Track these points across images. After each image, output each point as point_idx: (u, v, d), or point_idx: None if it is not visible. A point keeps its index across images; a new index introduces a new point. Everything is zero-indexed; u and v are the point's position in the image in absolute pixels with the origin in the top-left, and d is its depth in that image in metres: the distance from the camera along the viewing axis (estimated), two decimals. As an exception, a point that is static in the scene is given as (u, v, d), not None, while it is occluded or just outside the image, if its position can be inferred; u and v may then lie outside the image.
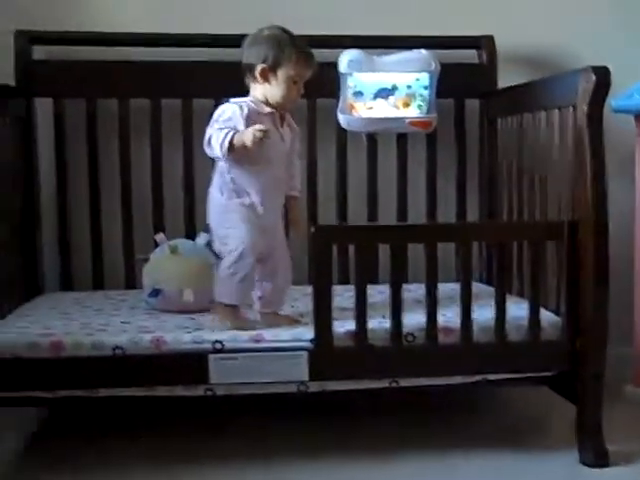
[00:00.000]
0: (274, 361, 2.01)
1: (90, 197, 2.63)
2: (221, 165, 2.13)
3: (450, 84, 2.66)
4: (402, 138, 2.73)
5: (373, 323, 2.07)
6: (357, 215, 2.71)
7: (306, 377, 2.02)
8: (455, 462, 2.13)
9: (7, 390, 2.00)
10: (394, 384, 2.08)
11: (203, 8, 2.71)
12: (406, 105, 2.65)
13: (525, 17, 2.81)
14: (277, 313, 2.18)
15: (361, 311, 2.03)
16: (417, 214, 2.73)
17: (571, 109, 2.13)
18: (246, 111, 2.09)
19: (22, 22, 2.58)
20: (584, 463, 2.09)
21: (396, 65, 2.64)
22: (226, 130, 2.04)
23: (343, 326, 2.06)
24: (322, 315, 2.02)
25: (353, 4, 2.76)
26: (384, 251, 2.15)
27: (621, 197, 2.47)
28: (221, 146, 2.03)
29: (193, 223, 2.60)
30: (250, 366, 2.01)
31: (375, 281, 2.53)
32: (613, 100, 2.46)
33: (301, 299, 2.36)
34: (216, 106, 2.58)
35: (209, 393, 2.03)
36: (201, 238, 2.35)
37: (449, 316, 2.12)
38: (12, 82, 2.53)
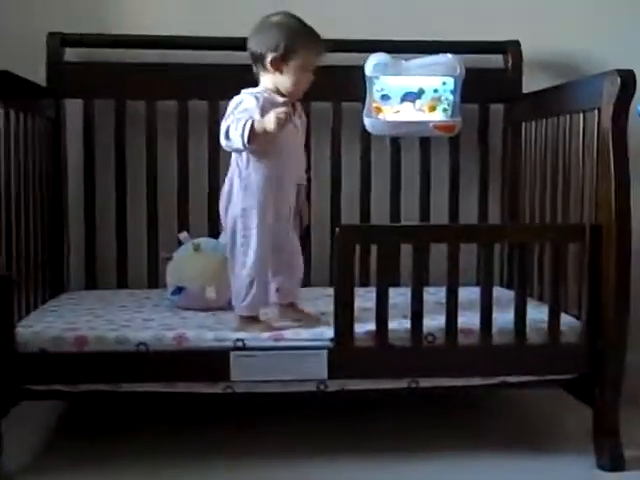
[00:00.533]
0: (294, 359, 2.03)
1: (116, 197, 2.67)
2: (238, 162, 2.10)
3: (475, 89, 2.67)
4: (425, 141, 2.75)
5: (393, 323, 2.08)
6: (380, 217, 2.73)
7: (325, 376, 2.03)
8: (472, 463, 2.14)
9: (32, 383, 2.04)
10: (413, 384, 2.09)
11: (232, 11, 2.73)
12: (432, 109, 2.66)
13: (551, 22, 2.82)
14: (296, 306, 2.19)
15: (382, 310, 2.05)
16: (439, 217, 2.74)
17: (596, 112, 2.13)
18: (261, 101, 2.05)
19: (54, 24, 2.63)
20: (600, 467, 2.09)
21: (422, 69, 2.65)
22: (244, 120, 2.00)
23: (363, 326, 2.07)
24: (343, 314, 2.03)
25: (380, 9, 2.78)
26: (405, 255, 2.17)
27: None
28: (242, 136, 1.98)
29: (217, 222, 2.63)
30: (270, 364, 2.03)
31: (396, 284, 2.54)
32: (638, 105, 2.45)
33: (322, 299, 2.38)
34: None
35: (229, 390, 2.06)
36: (224, 236, 2.37)
37: (469, 317, 2.12)
38: (43, 83, 2.57)
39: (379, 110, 2.65)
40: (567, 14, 2.83)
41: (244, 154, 2.08)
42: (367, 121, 2.67)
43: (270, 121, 1.97)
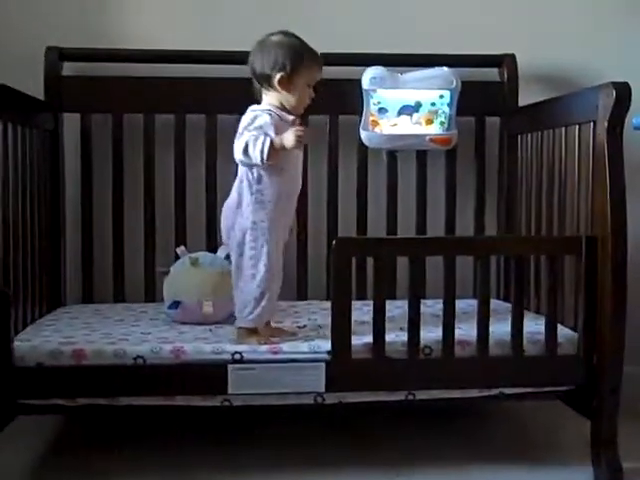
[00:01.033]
0: (291, 372, 2.03)
1: (113, 210, 2.68)
2: (248, 176, 2.11)
3: (471, 102, 2.68)
4: (422, 154, 2.76)
5: (390, 336, 2.08)
6: (376, 230, 2.73)
7: (323, 388, 2.03)
8: (469, 475, 2.14)
9: (30, 398, 2.03)
10: (410, 396, 2.10)
11: (228, 26, 2.75)
12: (429, 122, 2.66)
13: (546, 36, 2.83)
14: (270, 324, 2.19)
15: (379, 322, 2.05)
16: (436, 229, 2.75)
17: (591, 125, 2.15)
18: (275, 118, 2.10)
19: (52, 39, 2.65)
20: (599, 479, 2.09)
21: (418, 82, 2.66)
22: (262, 137, 2.04)
23: (361, 338, 2.07)
24: (340, 326, 2.04)
25: (376, 22, 2.79)
26: (401, 268, 2.17)
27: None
28: (261, 152, 2.02)
29: (214, 236, 2.64)
30: (268, 377, 2.03)
31: (393, 297, 2.55)
32: (634, 118, 2.46)
33: (319, 312, 2.40)
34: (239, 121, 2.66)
35: (226, 403, 2.06)
36: (222, 250, 2.38)
37: (466, 329, 2.13)
38: (41, 97, 2.58)
39: (376, 123, 2.66)
40: (562, 28, 2.85)
41: (255, 169, 2.09)
42: (364, 134, 2.68)
43: (290, 139, 2.03)
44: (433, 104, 2.66)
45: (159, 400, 2.06)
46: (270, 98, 2.16)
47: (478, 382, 2.11)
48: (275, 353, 2.05)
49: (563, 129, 2.34)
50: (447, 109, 2.66)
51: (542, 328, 2.13)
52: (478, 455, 2.25)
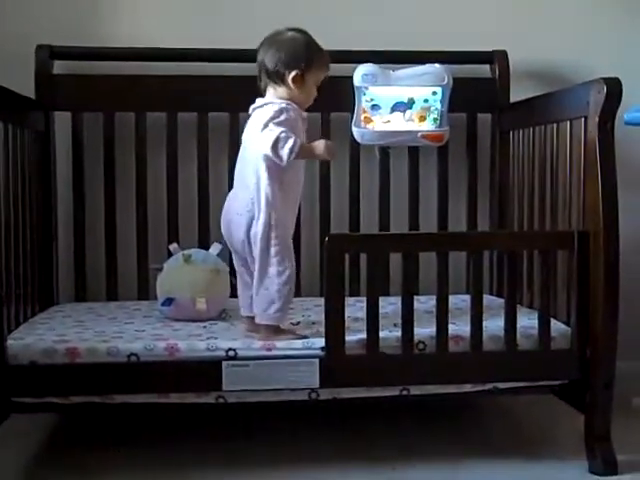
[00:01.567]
0: (286, 368, 2.03)
1: (105, 208, 2.67)
2: (258, 178, 2.10)
3: (463, 98, 2.69)
4: (414, 151, 2.76)
5: (384, 331, 2.08)
6: (369, 227, 2.74)
7: (317, 384, 2.04)
8: (463, 470, 2.14)
9: (23, 396, 2.03)
10: (405, 392, 2.10)
11: (219, 24, 2.75)
12: (422, 119, 2.67)
13: (538, 32, 2.85)
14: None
15: (372, 318, 2.05)
16: (428, 226, 2.75)
17: (583, 121, 2.15)
18: (297, 113, 2.12)
19: (43, 37, 2.64)
20: (593, 472, 2.10)
21: (410, 79, 2.66)
22: (293, 138, 2.04)
23: (354, 335, 2.07)
24: (334, 323, 2.04)
25: (368, 20, 2.80)
26: (394, 264, 2.18)
27: (632, 209, 2.47)
28: (290, 152, 2.03)
29: (207, 233, 2.64)
30: (262, 373, 2.03)
31: (386, 293, 2.55)
32: (625, 113, 2.47)
33: (312, 309, 2.41)
34: (232, 120, 2.67)
35: (220, 400, 2.06)
36: (214, 248, 2.38)
37: (459, 325, 2.14)
38: (32, 95, 2.57)
39: (369, 120, 2.66)
40: (554, 24, 2.86)
41: (275, 168, 2.09)
42: (355, 131, 2.68)
43: (321, 149, 2.07)
44: (426, 101, 2.66)
45: (153, 397, 2.05)
46: (280, 93, 2.15)
47: (472, 377, 2.11)
48: (269, 349, 2.05)
49: (555, 125, 2.35)
50: (439, 106, 2.67)
51: (535, 323, 2.13)
52: (473, 449, 2.26)
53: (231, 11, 2.77)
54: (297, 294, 2.62)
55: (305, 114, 2.17)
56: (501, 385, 2.14)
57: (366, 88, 2.65)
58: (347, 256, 2.12)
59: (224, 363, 2.01)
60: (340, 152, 2.70)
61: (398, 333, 2.08)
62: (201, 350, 2.03)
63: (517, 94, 2.72)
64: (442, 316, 2.08)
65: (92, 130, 2.68)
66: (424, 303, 2.37)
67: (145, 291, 2.65)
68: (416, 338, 2.08)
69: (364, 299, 2.09)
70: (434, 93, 2.65)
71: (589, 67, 2.72)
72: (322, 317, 2.06)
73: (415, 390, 2.10)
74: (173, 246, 2.44)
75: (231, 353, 2.03)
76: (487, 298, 2.33)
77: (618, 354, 2.09)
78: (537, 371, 2.12)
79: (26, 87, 2.52)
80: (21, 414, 2.08)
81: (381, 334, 2.07)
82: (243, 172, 2.17)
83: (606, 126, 2.09)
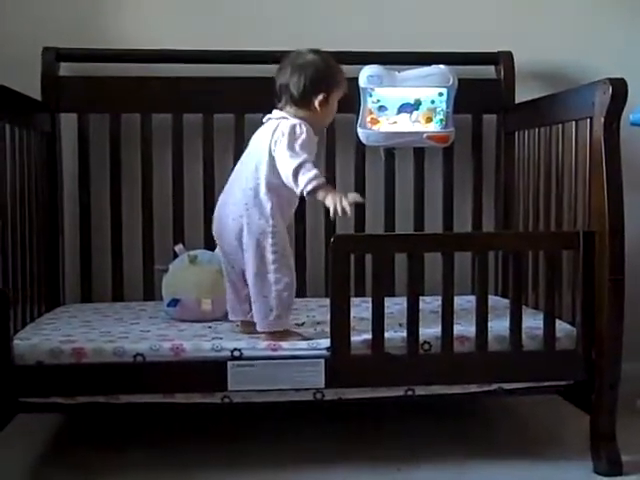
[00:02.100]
0: (291, 369, 2.03)
1: (111, 210, 2.68)
2: (257, 185, 2.11)
3: (469, 99, 2.69)
4: (419, 152, 2.77)
5: (389, 332, 2.09)
6: (374, 228, 2.74)
7: (322, 385, 2.04)
8: (468, 470, 2.14)
9: (30, 396, 2.04)
10: (410, 392, 2.10)
11: (224, 26, 2.76)
12: (428, 120, 2.67)
13: (543, 33, 2.85)
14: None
15: (378, 318, 2.05)
16: (434, 226, 2.76)
17: (588, 121, 2.15)
18: (311, 133, 2.12)
19: (49, 39, 2.65)
20: (598, 472, 2.10)
21: (415, 80, 2.67)
22: (315, 172, 2.03)
23: (359, 335, 2.08)
24: (339, 323, 2.04)
25: (372, 21, 2.80)
26: (400, 265, 2.18)
27: (637, 210, 2.47)
28: (307, 186, 2.03)
29: (212, 234, 2.64)
30: (267, 373, 2.03)
31: (391, 294, 2.56)
32: (631, 114, 2.48)
33: (317, 309, 2.41)
34: (237, 121, 2.67)
35: (226, 400, 2.06)
36: (220, 249, 2.38)
37: (465, 325, 2.14)
38: (38, 97, 2.58)
39: (375, 121, 2.67)
40: (559, 25, 2.86)
41: (271, 172, 2.10)
42: (361, 132, 2.68)
43: (331, 204, 2.02)
44: (433, 102, 2.66)
45: (159, 397, 2.06)
46: (300, 114, 2.16)
47: (477, 377, 2.11)
48: (274, 350, 2.05)
49: (560, 126, 2.35)
50: (445, 107, 2.67)
51: (541, 323, 2.13)
52: (478, 450, 2.26)
53: (235, 13, 2.77)
54: (302, 295, 2.64)
55: (317, 137, 2.17)
56: (506, 386, 2.14)
57: (372, 89, 2.65)
58: (352, 256, 2.12)
59: (229, 363, 2.02)
60: (345, 153, 2.73)
61: (403, 333, 2.08)
62: (206, 350, 2.04)
63: (522, 95, 2.72)
64: (447, 316, 2.08)
65: (98, 131, 2.68)
66: (429, 303, 2.37)
67: (151, 292, 2.66)
68: (421, 338, 2.08)
69: (369, 299, 2.09)
70: (440, 94, 2.66)
71: (594, 68, 2.71)
72: (327, 317, 2.07)
73: (420, 390, 2.10)
74: (179, 247, 2.45)
75: (236, 353, 2.03)
76: (492, 299, 2.34)
77: (623, 356, 2.09)
78: (542, 372, 2.12)
79: (33, 89, 2.53)
80: (27, 414, 2.09)
81: (386, 334, 2.07)
82: (241, 176, 2.17)
83: (612, 126, 2.09)
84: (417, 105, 2.66)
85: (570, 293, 2.20)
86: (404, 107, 2.67)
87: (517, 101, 2.74)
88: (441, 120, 2.67)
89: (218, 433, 2.40)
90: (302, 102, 2.15)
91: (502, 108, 2.76)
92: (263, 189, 2.11)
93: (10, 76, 2.26)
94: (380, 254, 2.09)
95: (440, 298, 2.10)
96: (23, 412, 2.08)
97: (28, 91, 2.41)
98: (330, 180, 2.71)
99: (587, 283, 2.11)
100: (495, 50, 2.77)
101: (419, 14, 2.82)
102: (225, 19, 2.77)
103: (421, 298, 2.12)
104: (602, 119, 2.08)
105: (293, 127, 2.10)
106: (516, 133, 2.71)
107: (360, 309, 2.24)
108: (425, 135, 2.67)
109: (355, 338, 2.06)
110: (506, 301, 2.32)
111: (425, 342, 2.08)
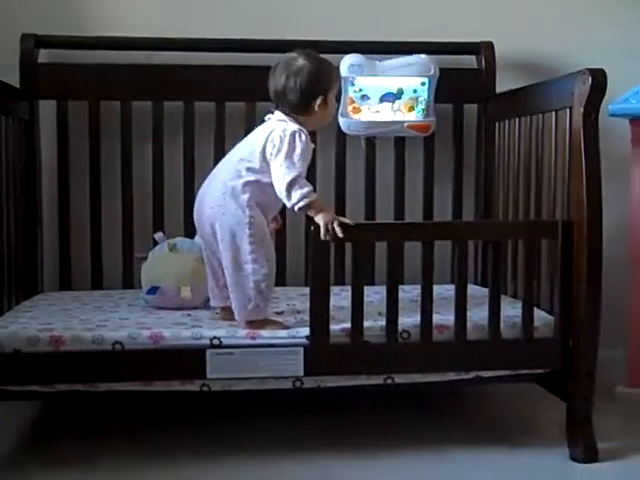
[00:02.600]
0: (270, 357, 2.03)
1: (91, 198, 2.66)
2: (248, 173, 2.11)
3: (449, 89, 2.70)
4: (400, 141, 2.77)
5: (369, 320, 2.09)
6: (355, 217, 2.71)
7: (301, 373, 2.04)
8: (446, 457, 2.15)
9: (7, 384, 2.02)
10: (389, 380, 2.11)
11: (205, 14, 2.75)
12: (410, 109, 2.67)
13: (524, 23, 2.86)
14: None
15: (357, 307, 2.06)
16: (414, 215, 2.76)
17: (567, 111, 2.16)
18: (309, 140, 2.12)
19: (28, 26, 2.63)
20: (574, 459, 2.12)
21: (396, 70, 2.67)
22: (309, 189, 2.04)
23: (339, 323, 2.08)
24: (318, 311, 2.04)
25: (354, 10, 2.80)
26: (379, 253, 2.18)
27: (615, 200, 2.48)
28: (298, 203, 2.04)
29: (192, 222, 2.63)
30: (246, 361, 2.03)
31: (371, 282, 2.56)
32: (610, 105, 2.49)
33: (297, 298, 2.41)
34: (218, 109, 2.67)
35: (205, 389, 2.06)
36: (199, 237, 2.37)
37: (444, 314, 2.14)
38: (17, 84, 2.56)
39: (357, 110, 2.67)
40: (540, 15, 2.87)
41: (257, 170, 2.10)
42: (342, 121, 2.68)
43: (327, 220, 2.02)
44: (415, 91, 2.66)
45: (138, 385, 2.05)
46: (298, 118, 2.14)
47: (456, 366, 2.12)
48: (254, 338, 2.05)
49: (540, 116, 2.36)
50: (426, 96, 2.67)
51: (519, 312, 2.15)
52: (456, 437, 2.27)
53: (216, 1, 2.76)
54: (282, 283, 2.64)
55: (313, 145, 2.17)
56: (484, 374, 2.15)
57: (353, 78, 2.65)
58: (332, 245, 2.12)
59: (208, 351, 2.02)
60: (326, 142, 2.72)
61: (382, 322, 2.09)
62: (186, 338, 2.04)
63: (503, 85, 2.73)
64: (427, 305, 2.09)
65: (77, 119, 2.67)
66: (409, 292, 2.38)
67: (130, 280, 2.65)
68: (400, 327, 2.08)
69: (349, 288, 2.09)
70: (423, 84, 2.66)
71: (575, 58, 2.72)
72: (307, 306, 2.07)
73: (399, 379, 2.11)
74: (158, 235, 2.44)
75: (216, 341, 2.03)
76: (471, 288, 2.34)
77: (599, 343, 2.11)
78: (520, 360, 2.14)
79: (11, 76, 2.50)
80: (5, 402, 2.08)
81: (366, 323, 2.07)
82: (225, 168, 2.17)
83: (591, 117, 2.10)
84: (399, 94, 2.67)
85: (548, 282, 2.21)
86: (386, 96, 2.67)
87: (498, 91, 2.75)
88: (423, 110, 2.67)
89: (197, 421, 2.39)
90: (301, 108, 2.14)
91: (483, 98, 2.77)
92: (242, 182, 2.10)
93: (-12, 63, 2.26)
94: (360, 243, 2.09)
95: (419, 287, 2.10)
96: (1, 400, 2.07)
97: (6, 78, 2.39)
98: (310, 169, 2.73)
99: (565, 272, 2.12)
100: (476, 40, 2.78)
101: (400, 3, 2.82)
102: (207, 7, 2.75)
103: (400, 287, 2.13)
104: (581, 109, 2.09)
105: (293, 135, 2.08)
106: (497, 123, 2.72)
107: (340, 298, 2.25)
108: (406, 124, 2.68)
109: (334, 327, 2.06)
110: (485, 290, 2.33)
111: (404, 331, 2.09)
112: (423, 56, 2.67)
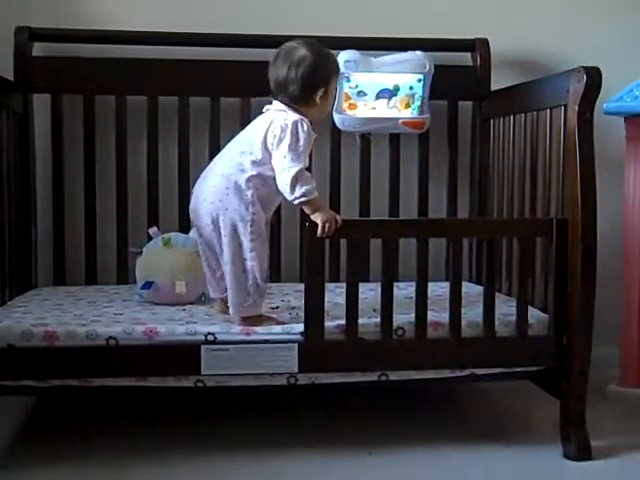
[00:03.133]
0: (265, 353, 2.03)
1: (85, 192, 2.66)
2: (242, 172, 2.09)
3: (444, 86, 2.70)
4: (395, 138, 2.77)
5: (363, 317, 2.09)
6: (349, 213, 2.73)
7: (296, 369, 2.04)
8: (440, 454, 2.16)
9: (1, 379, 2.02)
10: (383, 377, 2.11)
11: (200, 8, 2.74)
12: (407, 106, 2.67)
13: (519, 21, 2.86)
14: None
15: (352, 303, 2.06)
16: (409, 212, 2.76)
17: (562, 109, 2.17)
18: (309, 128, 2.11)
19: (22, 19, 2.61)
20: (567, 457, 2.12)
21: (391, 66, 2.67)
22: (312, 186, 2.05)
23: (333, 320, 2.08)
24: (313, 308, 2.04)
25: (350, 6, 2.79)
26: (374, 251, 2.18)
27: (610, 198, 2.49)
28: (301, 198, 2.04)
29: (186, 217, 2.62)
30: (241, 358, 2.03)
31: (366, 279, 2.56)
32: (605, 103, 2.50)
33: (292, 294, 2.41)
34: (213, 104, 2.66)
35: (199, 385, 2.06)
36: (194, 232, 2.37)
37: (438, 311, 2.15)
38: (11, 77, 2.55)
39: (354, 106, 2.66)
40: (535, 13, 2.87)
41: (259, 162, 2.09)
42: (337, 117, 2.68)
43: (324, 218, 2.03)
44: (411, 88, 2.66)
45: (132, 381, 2.05)
46: (299, 108, 2.13)
47: (450, 363, 2.13)
48: (248, 334, 2.05)
49: (535, 113, 2.36)
50: (422, 93, 2.67)
51: (513, 310, 2.15)
52: (450, 434, 2.27)
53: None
54: (277, 279, 2.64)
55: (315, 135, 2.16)
56: (479, 371, 2.16)
57: (348, 74, 2.64)
58: (327, 242, 2.12)
59: (203, 347, 2.02)
60: (321, 138, 2.71)
61: (377, 319, 2.09)
62: (180, 334, 2.03)
63: (498, 82, 2.73)
64: (421, 302, 2.09)
65: (72, 113, 2.66)
66: (403, 289, 2.37)
67: (124, 275, 2.65)
68: (395, 324, 2.09)
69: (344, 285, 2.09)
70: (419, 80, 2.66)
71: (570, 56, 2.73)
72: (302, 302, 2.07)
73: (394, 375, 2.11)
74: (153, 230, 2.44)
75: (210, 337, 2.03)
76: (466, 285, 2.36)
77: (593, 341, 2.11)
78: (514, 357, 2.14)
79: (5, 69, 2.50)
80: (-1, 397, 2.09)
81: (360, 320, 2.07)
82: (226, 161, 2.15)
83: (585, 115, 2.10)
84: (396, 91, 2.67)
85: (543, 280, 2.22)
86: (383, 92, 2.67)
87: (493, 88, 2.75)
88: (418, 106, 2.67)
89: (191, 417, 2.39)
90: (302, 99, 2.13)
91: (478, 95, 2.77)
92: (246, 177, 2.09)
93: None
94: (355, 239, 2.09)
95: (414, 284, 2.10)
96: (-6, 395, 2.06)
97: (0, 71, 2.38)
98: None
99: (559, 270, 2.13)
100: (471, 37, 2.78)
101: (396, 0, 2.81)
102: (203, 2, 2.75)
103: (395, 284, 2.13)
104: (576, 107, 2.10)
105: (295, 124, 2.07)
106: (491, 120, 2.72)
107: (334, 294, 2.25)
108: (401, 121, 2.68)
109: (329, 323, 2.06)
110: (480, 288, 2.34)
111: (399, 328, 2.09)
112: (418, 53, 2.67)
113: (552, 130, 2.26)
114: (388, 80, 2.65)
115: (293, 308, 2.24)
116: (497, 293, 2.20)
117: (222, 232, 2.10)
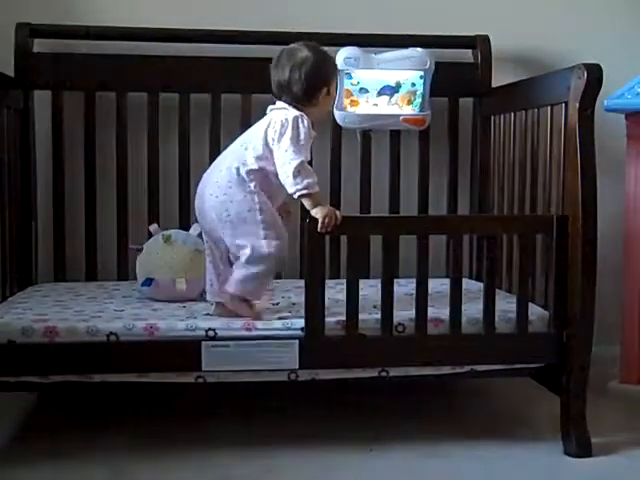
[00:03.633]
0: (265, 349, 2.04)
1: (85, 189, 2.66)
2: (244, 164, 2.10)
3: (445, 83, 2.70)
4: (395, 134, 2.77)
5: (364, 313, 2.09)
6: (350, 209, 2.73)
7: (296, 365, 2.04)
8: (441, 451, 2.15)
9: (1, 375, 2.02)
10: (384, 373, 2.11)
11: (201, 5, 2.74)
12: (408, 103, 2.67)
13: (520, 17, 2.85)
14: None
15: (352, 300, 2.06)
16: (409, 209, 2.77)
17: (563, 106, 2.16)
18: (310, 125, 2.12)
19: (23, 15, 2.61)
20: (567, 454, 2.12)
21: (392, 63, 2.66)
22: (314, 179, 2.06)
23: (334, 316, 2.08)
24: (314, 303, 2.04)
25: (351, 3, 2.79)
26: (375, 247, 2.18)
27: (611, 196, 2.49)
28: (303, 188, 2.05)
29: (187, 214, 2.63)
30: (242, 354, 2.03)
31: (366, 276, 2.56)
32: (606, 100, 2.50)
33: (293, 290, 2.42)
34: (213, 101, 2.66)
35: (200, 380, 2.06)
36: (195, 229, 2.38)
37: (439, 308, 2.15)
38: (11, 74, 2.55)
39: (355, 103, 2.66)
40: (536, 9, 2.87)
41: (261, 157, 2.10)
42: (337, 114, 2.68)
43: (323, 213, 2.04)
44: (413, 84, 2.66)
45: (132, 377, 2.05)
46: (303, 109, 2.14)
47: (450, 359, 2.13)
48: (249, 330, 2.05)
49: (536, 110, 2.36)
50: (422, 90, 2.67)
51: (514, 306, 2.15)
52: (450, 431, 2.27)
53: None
54: (278, 276, 2.64)
55: (314, 133, 2.16)
56: (479, 368, 2.16)
57: (349, 71, 2.64)
58: (327, 238, 2.12)
59: (204, 343, 2.02)
60: (321, 135, 2.71)
61: (377, 315, 2.09)
62: (181, 330, 2.04)
63: (499, 79, 2.73)
64: (421, 299, 2.09)
65: (72, 109, 2.65)
66: (404, 286, 2.38)
67: (125, 271, 2.65)
68: (395, 320, 2.09)
69: (344, 281, 2.09)
70: (421, 77, 2.65)
71: (571, 53, 2.73)
72: (302, 298, 2.07)
73: (394, 372, 2.12)
74: (153, 227, 2.44)
75: (211, 333, 2.03)
76: (466, 282, 2.36)
77: (594, 338, 2.11)
78: (515, 354, 2.14)
79: (5, 65, 2.50)
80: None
81: (361, 316, 2.08)
82: (229, 156, 2.16)
83: (586, 112, 2.10)
84: (398, 88, 2.67)
85: (543, 277, 2.22)
86: (385, 89, 2.67)
87: (494, 85, 2.75)
88: (420, 103, 2.67)
89: (192, 413, 2.39)
90: (305, 99, 2.14)
91: (478, 92, 2.77)
92: (247, 169, 2.10)
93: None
94: (355, 236, 2.09)
95: (414, 280, 2.10)
96: (-5, 391, 2.06)
97: (1, 68, 2.38)
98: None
99: (560, 267, 2.13)
100: (472, 34, 2.78)
101: (396, -4, 2.82)
102: (204, -2, 2.75)
103: (395, 280, 2.13)
104: (577, 104, 2.10)
105: (295, 120, 2.09)
106: (492, 117, 2.72)
107: (335, 291, 2.25)
108: (402, 118, 2.68)
109: (329, 319, 2.07)
110: (480, 284, 2.34)
111: (399, 324, 2.09)
112: (419, 49, 2.67)
113: (553, 127, 2.26)
114: (390, 77, 2.65)
115: (294, 304, 2.24)
116: (497, 290, 2.19)
117: (229, 224, 2.10)
